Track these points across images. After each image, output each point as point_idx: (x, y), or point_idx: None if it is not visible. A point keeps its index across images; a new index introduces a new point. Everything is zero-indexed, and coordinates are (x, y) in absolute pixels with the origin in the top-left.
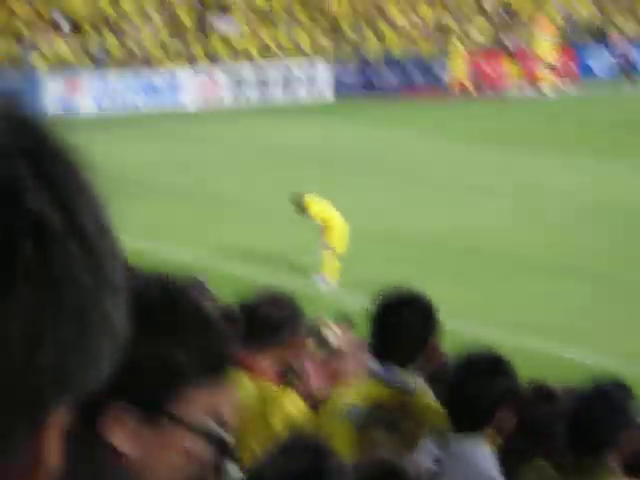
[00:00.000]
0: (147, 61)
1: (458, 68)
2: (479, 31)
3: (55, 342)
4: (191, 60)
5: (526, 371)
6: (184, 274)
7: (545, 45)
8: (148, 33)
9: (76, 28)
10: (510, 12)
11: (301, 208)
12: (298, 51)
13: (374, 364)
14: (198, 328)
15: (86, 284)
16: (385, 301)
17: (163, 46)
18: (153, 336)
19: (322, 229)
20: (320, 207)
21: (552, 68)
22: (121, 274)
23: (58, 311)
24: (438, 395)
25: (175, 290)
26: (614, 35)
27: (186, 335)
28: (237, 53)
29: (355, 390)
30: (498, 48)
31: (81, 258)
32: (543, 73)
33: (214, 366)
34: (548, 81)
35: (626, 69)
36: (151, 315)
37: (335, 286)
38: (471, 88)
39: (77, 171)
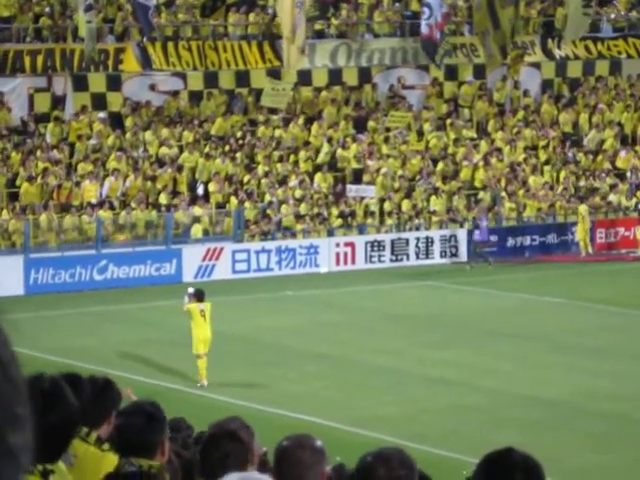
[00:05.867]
0: (283, 226)
1: (586, 232)
2: (617, 194)
3: None
4: (327, 225)
5: None
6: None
7: None
8: (282, 197)
9: (210, 197)
10: None
11: None
12: (433, 215)
13: None
14: None
15: None
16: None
17: (299, 212)
18: None
19: None
20: None
21: None
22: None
23: None
24: None
25: None
26: None
27: None
28: (373, 218)
29: None
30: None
31: None
32: None
33: None
34: None
35: None
36: None
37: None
38: (601, 251)
39: None
